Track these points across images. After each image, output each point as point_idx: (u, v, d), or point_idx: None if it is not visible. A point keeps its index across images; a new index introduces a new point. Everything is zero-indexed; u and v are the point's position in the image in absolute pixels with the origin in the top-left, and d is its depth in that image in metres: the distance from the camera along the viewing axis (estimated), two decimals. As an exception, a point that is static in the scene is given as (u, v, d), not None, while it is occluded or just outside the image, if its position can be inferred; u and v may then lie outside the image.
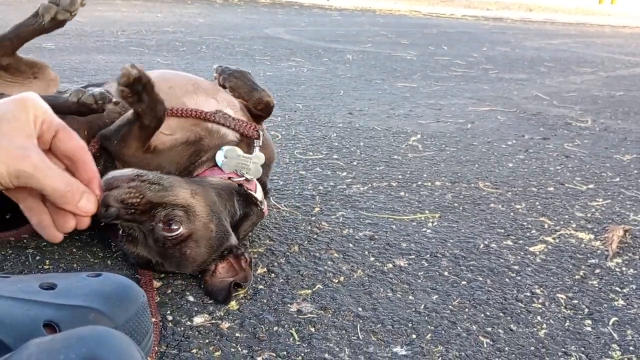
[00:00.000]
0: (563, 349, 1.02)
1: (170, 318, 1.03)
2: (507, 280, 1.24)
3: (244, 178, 1.23)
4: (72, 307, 0.72)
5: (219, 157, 1.22)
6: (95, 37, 4.67)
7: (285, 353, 0.96)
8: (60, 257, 1.21)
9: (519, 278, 1.25)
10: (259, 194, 1.25)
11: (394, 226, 1.48)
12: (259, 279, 1.18)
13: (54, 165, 0.67)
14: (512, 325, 1.08)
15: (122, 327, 0.74)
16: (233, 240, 1.15)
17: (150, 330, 0.80)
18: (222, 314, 1.05)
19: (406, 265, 1.28)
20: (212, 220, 1.09)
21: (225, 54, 4.26)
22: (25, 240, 1.25)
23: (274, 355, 0.95)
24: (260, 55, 4.35)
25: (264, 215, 1.30)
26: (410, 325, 1.06)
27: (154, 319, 0.98)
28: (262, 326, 1.03)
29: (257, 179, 1.27)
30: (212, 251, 1.10)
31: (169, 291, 1.12)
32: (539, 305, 1.15)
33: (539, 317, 1.11)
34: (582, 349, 1.02)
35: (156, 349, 0.93)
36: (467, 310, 1.12)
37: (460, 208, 1.62)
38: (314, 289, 1.16)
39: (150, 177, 1.03)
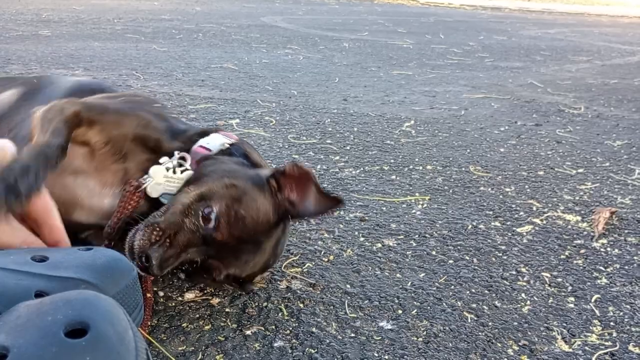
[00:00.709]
0: (545, 324, 1.04)
1: (162, 294, 1.06)
2: (493, 259, 1.27)
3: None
4: (63, 278, 0.74)
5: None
6: (91, 24, 4.67)
7: (274, 327, 0.98)
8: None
9: (505, 257, 1.28)
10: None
11: (384, 208, 1.50)
12: (249, 258, 1.20)
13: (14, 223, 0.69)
14: (496, 302, 1.10)
15: (113, 298, 0.76)
16: (265, 172, 1.07)
17: (140, 304, 0.82)
18: (213, 290, 1.08)
19: (395, 245, 1.31)
20: (225, 179, 1.03)
21: (221, 42, 4.27)
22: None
23: (263, 329, 0.98)
24: (257, 43, 4.36)
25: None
26: (396, 301, 1.08)
27: (148, 294, 1.01)
28: (252, 302, 1.05)
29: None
30: (257, 194, 1.01)
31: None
32: (524, 283, 1.18)
33: (523, 295, 1.13)
34: (564, 324, 1.05)
35: (149, 323, 0.95)
36: (452, 287, 1.14)
37: (450, 191, 1.64)
38: (303, 268, 1.18)
39: (156, 217, 1.00)
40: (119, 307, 0.58)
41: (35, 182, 0.86)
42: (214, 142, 1.14)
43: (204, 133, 1.17)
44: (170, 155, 1.08)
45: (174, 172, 1.05)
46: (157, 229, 0.95)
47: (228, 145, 1.14)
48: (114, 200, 1.06)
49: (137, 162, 1.08)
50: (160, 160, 1.07)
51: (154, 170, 1.05)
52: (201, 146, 1.12)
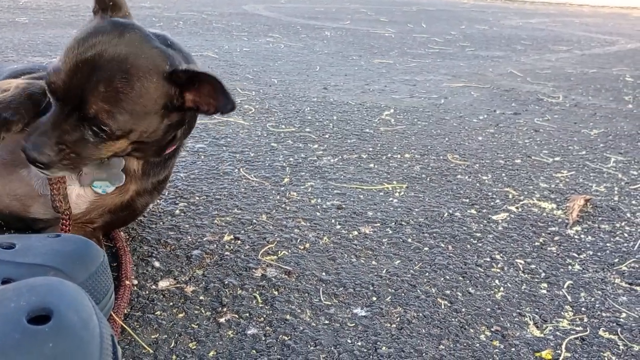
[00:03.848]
0: (518, 310, 1.05)
1: (135, 282, 1.05)
2: (468, 246, 1.27)
3: None
4: (31, 265, 0.74)
5: None
6: (70, 11, 4.61)
7: (247, 315, 0.98)
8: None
9: (480, 245, 1.29)
10: None
11: (361, 196, 1.50)
12: (225, 246, 1.20)
13: None
14: (470, 289, 1.11)
15: (82, 285, 0.75)
16: (176, 60, 0.95)
17: (111, 290, 0.82)
18: (187, 279, 1.07)
19: (371, 232, 1.31)
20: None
21: (202, 30, 4.23)
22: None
23: (237, 316, 0.98)
24: (238, 31, 4.33)
25: None
26: (371, 288, 1.09)
27: (127, 282, 1.00)
28: (226, 290, 1.05)
29: None
30: (149, 72, 0.91)
31: (135, 257, 1.13)
32: (498, 270, 1.19)
33: (497, 281, 1.14)
34: (537, 310, 1.06)
35: (125, 311, 0.95)
36: (427, 274, 1.15)
37: (428, 179, 1.65)
38: (279, 255, 1.18)
39: None
40: (83, 294, 0.57)
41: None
42: None
43: None
44: None
45: None
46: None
47: None
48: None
49: None
50: None
51: None
52: None
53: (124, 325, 0.92)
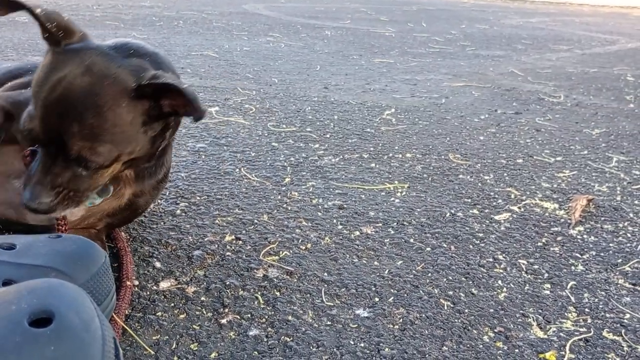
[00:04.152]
0: (521, 311, 1.05)
1: (136, 283, 1.04)
2: (470, 246, 1.27)
3: None
4: (31, 266, 0.73)
5: None
6: (70, 10, 4.60)
7: (249, 316, 0.98)
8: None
9: (482, 245, 1.28)
10: None
11: (363, 196, 1.49)
12: (226, 246, 1.19)
13: None
14: (473, 289, 1.11)
15: (83, 286, 0.75)
16: (149, 73, 0.91)
17: (112, 291, 0.81)
18: (188, 279, 1.07)
19: (373, 232, 1.30)
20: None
21: (202, 29, 4.23)
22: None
23: (238, 317, 0.97)
24: (238, 30, 4.32)
25: None
26: (373, 289, 1.08)
27: (128, 282, 0.99)
28: (228, 291, 1.04)
29: None
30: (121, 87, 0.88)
31: (136, 258, 1.12)
32: (501, 270, 1.18)
33: (499, 282, 1.14)
34: (540, 311, 1.05)
35: (126, 312, 0.94)
36: (430, 275, 1.14)
37: (429, 179, 1.64)
38: (280, 256, 1.18)
39: None
40: (85, 295, 0.57)
41: None
42: None
43: None
44: None
45: None
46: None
47: None
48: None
49: None
50: None
51: None
52: None
53: (126, 326, 0.91)
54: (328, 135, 1.97)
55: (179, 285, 1.04)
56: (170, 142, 1.15)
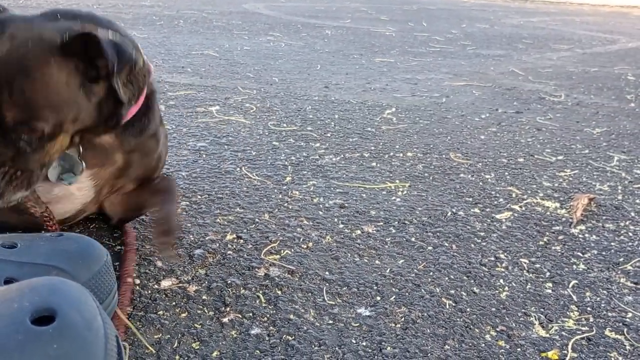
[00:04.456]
0: (523, 310, 1.04)
1: (138, 282, 1.04)
2: (472, 245, 1.27)
3: None
4: (33, 264, 0.73)
5: None
6: (70, 10, 4.59)
7: (251, 314, 0.97)
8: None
9: (484, 244, 1.28)
10: None
11: (364, 195, 1.49)
12: (227, 245, 1.19)
13: None
14: (474, 288, 1.10)
15: (85, 285, 0.75)
16: (68, 31, 0.87)
17: (114, 289, 0.81)
18: (190, 278, 1.06)
19: (374, 231, 1.30)
20: None
21: (203, 29, 4.22)
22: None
23: (240, 316, 0.97)
24: (238, 29, 4.32)
25: None
26: (375, 287, 1.08)
27: (129, 279, 0.99)
28: (229, 289, 1.04)
29: None
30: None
31: (137, 257, 1.12)
32: (502, 269, 1.18)
33: (501, 281, 1.14)
34: (542, 309, 1.05)
35: (127, 309, 0.94)
36: (431, 273, 1.14)
37: (430, 178, 1.64)
38: (282, 254, 1.17)
39: None
40: (87, 293, 0.57)
41: None
42: None
43: None
44: None
45: None
46: None
47: None
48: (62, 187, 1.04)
49: None
50: None
51: None
52: None
53: (129, 323, 0.91)
54: (329, 135, 1.96)
55: (181, 284, 1.04)
56: (151, 95, 1.09)
